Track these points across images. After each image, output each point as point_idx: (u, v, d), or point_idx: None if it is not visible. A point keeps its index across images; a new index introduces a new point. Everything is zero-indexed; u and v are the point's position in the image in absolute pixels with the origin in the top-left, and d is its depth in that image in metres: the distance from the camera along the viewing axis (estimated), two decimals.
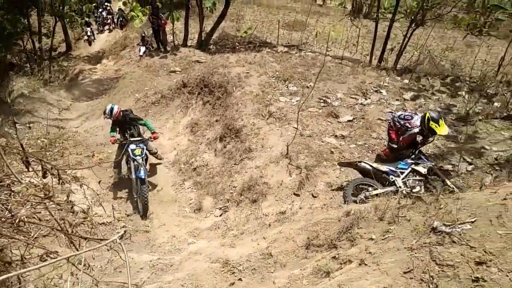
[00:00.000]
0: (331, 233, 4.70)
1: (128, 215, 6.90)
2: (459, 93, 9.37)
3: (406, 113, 6.60)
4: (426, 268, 3.27)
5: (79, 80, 15.51)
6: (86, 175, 7.20)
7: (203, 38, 14.97)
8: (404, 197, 4.80)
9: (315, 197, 6.45)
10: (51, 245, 3.63)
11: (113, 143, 7.73)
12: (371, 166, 6.04)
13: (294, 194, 6.58)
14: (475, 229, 3.32)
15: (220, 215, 6.85)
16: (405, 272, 3.34)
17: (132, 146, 7.46)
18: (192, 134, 9.31)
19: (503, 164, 6.35)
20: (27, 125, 10.35)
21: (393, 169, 5.94)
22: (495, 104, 8.63)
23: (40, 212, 3.13)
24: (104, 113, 7.79)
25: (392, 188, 5.67)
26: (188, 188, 7.90)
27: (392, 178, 5.85)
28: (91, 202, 6.24)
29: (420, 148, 6.26)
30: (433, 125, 5.80)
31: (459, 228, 3.41)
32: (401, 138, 6.34)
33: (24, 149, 3.18)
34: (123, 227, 6.51)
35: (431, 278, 3.16)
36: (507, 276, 2.87)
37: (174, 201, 7.62)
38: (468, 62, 12.44)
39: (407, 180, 5.81)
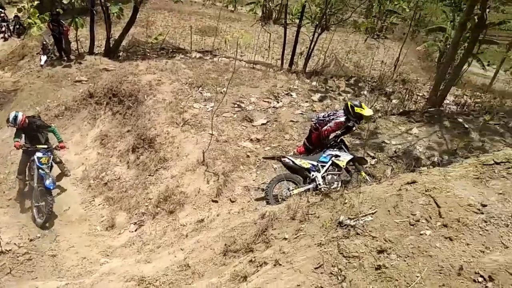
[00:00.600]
0: (247, 237, 4.71)
1: (31, 240, 6.24)
2: (362, 92, 10.08)
3: (329, 112, 6.86)
4: (335, 261, 3.40)
5: None
6: None
7: (111, 45, 14.26)
8: (314, 195, 4.99)
9: (233, 202, 6.46)
10: None
11: (18, 149, 7.19)
12: (293, 162, 6.11)
13: (212, 201, 6.52)
14: (376, 220, 3.54)
15: (135, 230, 6.53)
16: (316, 268, 3.45)
17: (39, 154, 7.04)
18: (102, 146, 8.76)
19: (401, 156, 6.94)
20: None
21: (315, 163, 6.03)
22: (393, 101, 9.43)
23: None
24: (8, 121, 7.24)
25: (312, 186, 5.79)
26: (99, 205, 7.40)
27: (313, 175, 5.93)
28: None
29: (342, 138, 6.49)
30: (358, 109, 6.13)
31: (362, 220, 3.61)
32: (326, 128, 6.29)
33: None
34: (25, 253, 5.88)
35: (340, 271, 3.29)
36: (404, 261, 3.09)
37: (83, 220, 7.08)
38: (369, 63, 13.47)
39: (327, 175, 5.94)
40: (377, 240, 3.35)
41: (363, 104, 6.25)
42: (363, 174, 6.04)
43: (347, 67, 13.02)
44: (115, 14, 13.43)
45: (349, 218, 3.75)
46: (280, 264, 3.79)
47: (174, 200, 6.61)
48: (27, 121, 7.18)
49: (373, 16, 17.35)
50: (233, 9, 23.51)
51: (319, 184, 5.81)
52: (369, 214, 3.67)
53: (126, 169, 7.92)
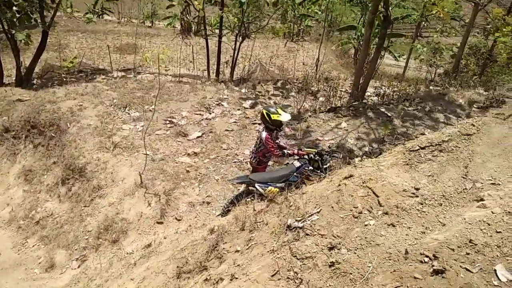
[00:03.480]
0: (199, 255, 4.63)
1: None
2: (290, 94, 10.43)
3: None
4: (290, 265, 3.46)
5: None
6: None
7: (23, 74, 13.24)
8: (259, 201, 5.05)
9: (179, 220, 6.34)
10: None
11: None
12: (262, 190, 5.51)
13: (157, 222, 6.34)
14: (322, 218, 3.67)
15: (78, 267, 6.10)
16: (272, 275, 3.48)
17: None
18: (27, 183, 8.08)
19: (335, 150, 7.27)
20: None
21: (283, 186, 5.51)
22: (320, 99, 9.88)
23: None
24: None
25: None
26: (33, 246, 6.81)
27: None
28: None
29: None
30: (274, 116, 5.76)
31: (309, 220, 3.72)
32: (270, 150, 5.81)
33: None
34: None
35: (296, 274, 3.36)
36: (355, 253, 3.23)
37: (18, 265, 6.46)
38: (292, 65, 13.96)
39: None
40: (326, 238, 3.47)
41: (279, 110, 5.91)
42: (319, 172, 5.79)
43: (272, 71, 13.40)
44: (22, 41, 12.51)
45: (296, 220, 3.84)
46: (237, 278, 3.77)
47: (116, 229, 6.31)
48: None
49: (289, 21, 18.05)
50: (150, 24, 23.05)
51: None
52: (315, 213, 3.80)
53: (58, 203, 7.39)
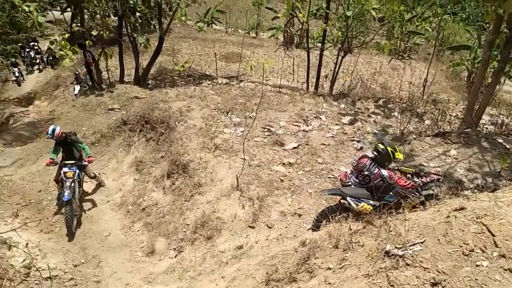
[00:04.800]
0: (289, 266, 4.72)
1: (75, 266, 6.40)
2: (392, 114, 10.05)
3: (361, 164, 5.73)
4: None
5: (10, 124, 14.41)
6: (28, 228, 6.68)
7: (140, 74, 14.76)
8: (354, 221, 4.98)
9: (270, 227, 6.49)
10: None
11: (47, 165, 7.98)
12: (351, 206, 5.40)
13: (249, 226, 6.57)
14: (426, 250, 3.51)
15: (175, 256, 6.61)
16: None
17: (65, 169, 7.68)
18: (138, 172, 9.00)
19: (441, 180, 6.83)
20: None
21: (377, 204, 5.40)
22: (426, 122, 9.35)
23: None
24: (47, 133, 7.88)
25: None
26: (138, 231, 7.55)
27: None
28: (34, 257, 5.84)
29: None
30: (398, 154, 5.49)
31: (410, 250, 3.58)
32: (400, 182, 5.39)
33: None
34: (70, 279, 6.03)
35: None
36: None
37: (124, 245, 7.23)
38: (396, 84, 13.45)
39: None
40: (429, 272, 3.30)
41: (396, 147, 5.58)
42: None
43: (373, 89, 13.06)
44: (142, 44, 13.95)
45: (396, 248, 3.72)
46: None
47: (211, 226, 6.69)
48: (63, 135, 7.94)
49: (396, 38, 17.42)
50: (255, 35, 24.00)
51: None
52: (418, 243, 3.64)
53: (163, 194, 8.09)
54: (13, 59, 17.71)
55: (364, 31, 14.89)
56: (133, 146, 9.84)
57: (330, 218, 5.48)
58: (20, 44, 18.58)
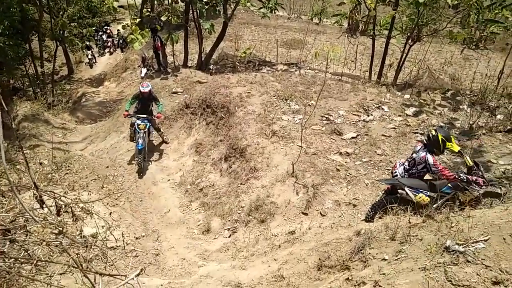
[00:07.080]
0: (342, 254, 4.70)
1: (136, 238, 6.87)
2: (460, 107, 9.47)
3: (410, 162, 5.65)
4: None
5: (82, 102, 15.60)
6: (94, 199, 7.24)
7: (203, 59, 15.12)
8: (413, 215, 4.83)
9: (323, 215, 6.47)
10: (68, 283, 3.62)
11: (125, 117, 9.62)
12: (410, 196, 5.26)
13: (302, 213, 6.60)
14: (489, 248, 3.34)
15: (229, 236, 6.84)
16: None
17: (138, 121, 9.09)
18: (197, 154, 9.35)
19: (511, 178, 6.38)
20: (32, 149, 10.37)
21: (434, 195, 5.26)
22: (498, 117, 8.70)
23: (55, 251, 3.16)
24: (143, 87, 9.34)
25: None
26: (195, 209, 7.89)
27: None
28: (102, 228, 6.30)
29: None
30: (449, 145, 5.29)
31: (472, 247, 3.43)
32: (442, 172, 5.23)
33: (37, 186, 3.21)
34: (132, 250, 6.48)
35: None
36: None
37: (182, 223, 7.61)
38: (467, 75, 12.61)
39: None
40: (491, 270, 3.16)
41: (452, 138, 5.39)
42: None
43: (442, 80, 12.31)
44: (207, 29, 14.26)
45: (457, 244, 3.58)
46: (380, 286, 3.72)
47: (265, 210, 6.82)
48: (149, 92, 9.34)
49: (471, 26, 16.17)
50: (318, 22, 23.53)
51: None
52: (481, 240, 3.47)
53: (219, 176, 8.36)
54: (88, 42, 19.00)
55: (436, 18, 14.00)
56: (193, 129, 10.21)
57: (386, 210, 5.38)
58: (94, 28, 19.87)
